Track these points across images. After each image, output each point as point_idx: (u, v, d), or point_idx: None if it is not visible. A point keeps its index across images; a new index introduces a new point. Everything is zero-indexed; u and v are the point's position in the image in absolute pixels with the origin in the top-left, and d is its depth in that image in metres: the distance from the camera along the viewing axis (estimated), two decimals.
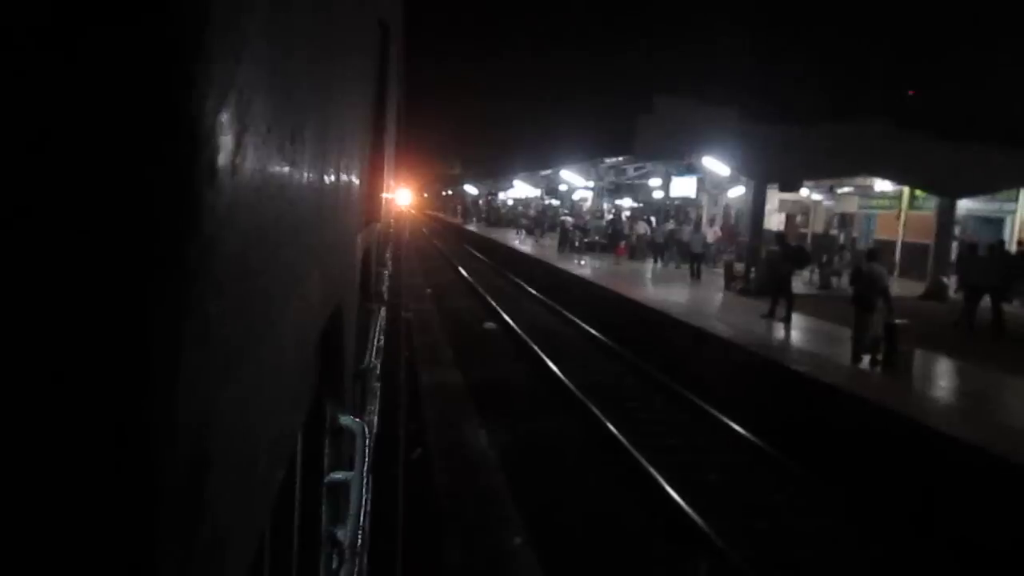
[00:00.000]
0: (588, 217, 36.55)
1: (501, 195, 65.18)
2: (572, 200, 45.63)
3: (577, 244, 32.41)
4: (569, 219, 36.10)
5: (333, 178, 1.36)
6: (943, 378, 11.14)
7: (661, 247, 27.17)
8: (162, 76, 0.42)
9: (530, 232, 44.29)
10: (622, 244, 29.85)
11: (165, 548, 0.44)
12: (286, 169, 0.76)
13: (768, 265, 16.55)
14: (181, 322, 0.44)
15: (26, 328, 0.40)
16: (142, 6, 0.41)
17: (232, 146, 0.52)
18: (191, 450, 0.48)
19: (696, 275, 22.02)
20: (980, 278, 14.68)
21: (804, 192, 26.78)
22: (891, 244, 24.43)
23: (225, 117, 0.50)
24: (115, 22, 0.40)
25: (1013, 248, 18.69)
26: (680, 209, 37.05)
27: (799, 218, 30.66)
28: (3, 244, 0.39)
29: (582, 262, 27.47)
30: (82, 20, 0.40)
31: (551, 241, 36.89)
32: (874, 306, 11.31)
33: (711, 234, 26.51)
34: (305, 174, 0.91)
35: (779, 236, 17.13)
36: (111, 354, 0.41)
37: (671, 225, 28.91)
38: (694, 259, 22.40)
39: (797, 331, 14.16)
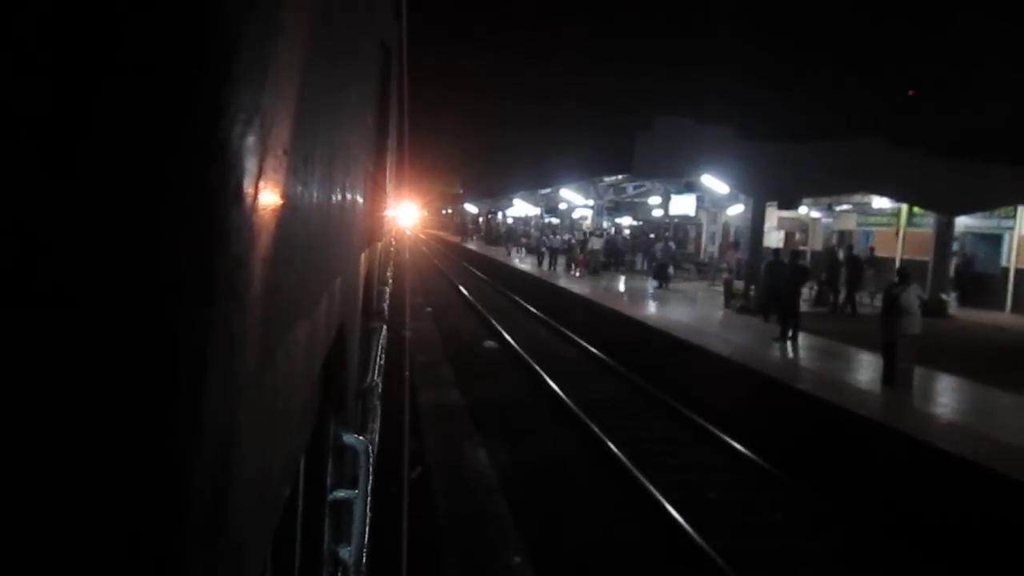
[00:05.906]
0: (588, 235, 36.18)
1: (500, 214, 65.25)
2: (570, 218, 45.63)
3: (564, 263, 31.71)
4: (556, 237, 35.82)
5: (340, 198, 1.37)
6: (944, 395, 11.12)
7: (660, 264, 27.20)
8: (194, 103, 0.43)
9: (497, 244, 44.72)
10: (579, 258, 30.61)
11: (190, 562, 0.45)
12: (299, 190, 0.78)
13: (770, 281, 16.30)
14: (207, 341, 0.45)
15: (60, 344, 0.41)
16: (176, 38, 0.42)
17: (256, 169, 0.54)
18: (215, 468, 0.49)
19: (789, 337, 14.52)
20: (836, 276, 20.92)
21: (803, 210, 26.82)
22: (890, 261, 24.43)
23: (251, 141, 0.51)
24: (152, 55, 0.42)
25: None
26: (679, 227, 37.01)
27: (798, 236, 30.70)
28: (39, 262, 0.40)
29: (581, 280, 27.56)
30: (124, 53, 0.41)
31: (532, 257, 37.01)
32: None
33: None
34: (315, 195, 0.93)
35: (794, 254, 16.92)
36: (141, 370, 0.43)
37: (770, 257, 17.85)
38: (776, 302, 15.53)
39: (801, 349, 14.16)
